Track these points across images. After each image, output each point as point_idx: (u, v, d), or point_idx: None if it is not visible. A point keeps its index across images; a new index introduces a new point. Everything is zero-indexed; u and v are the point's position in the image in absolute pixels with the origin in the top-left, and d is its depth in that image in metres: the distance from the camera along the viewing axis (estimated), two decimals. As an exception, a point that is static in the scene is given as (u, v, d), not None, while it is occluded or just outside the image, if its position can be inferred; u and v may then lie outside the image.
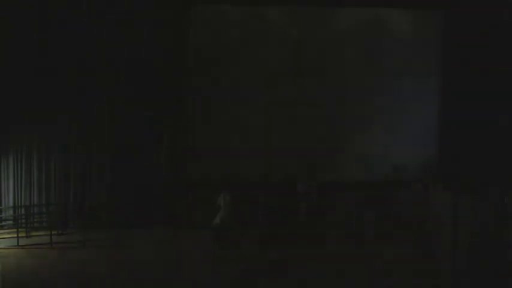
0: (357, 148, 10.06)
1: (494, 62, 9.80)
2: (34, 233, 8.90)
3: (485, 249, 6.19)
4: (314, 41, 10.01)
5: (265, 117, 9.95)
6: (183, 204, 9.59)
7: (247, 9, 9.98)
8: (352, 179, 9.92)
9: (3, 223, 9.44)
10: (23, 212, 9.31)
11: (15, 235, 8.39)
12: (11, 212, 9.50)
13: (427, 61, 10.14)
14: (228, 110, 9.96)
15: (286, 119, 10.00)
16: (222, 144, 9.91)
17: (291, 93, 9.98)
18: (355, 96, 10.08)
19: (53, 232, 8.52)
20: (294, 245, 8.36)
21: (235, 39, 9.92)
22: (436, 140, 10.18)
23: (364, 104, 10.09)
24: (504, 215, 6.19)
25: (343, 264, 7.36)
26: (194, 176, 9.84)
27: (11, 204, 9.43)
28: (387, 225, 9.20)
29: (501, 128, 9.74)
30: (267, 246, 8.27)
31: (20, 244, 8.32)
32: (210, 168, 9.85)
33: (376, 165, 10.03)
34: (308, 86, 10.00)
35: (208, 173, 9.82)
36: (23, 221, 9.12)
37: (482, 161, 9.56)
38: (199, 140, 9.94)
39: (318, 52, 10.02)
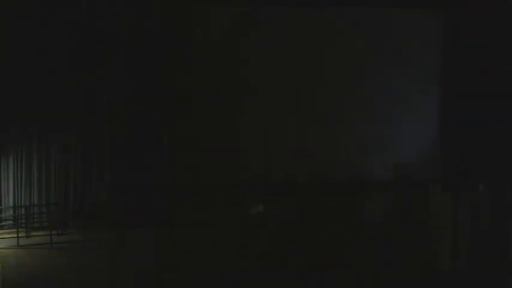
0: (356, 148, 10.07)
1: (494, 62, 9.80)
2: (34, 233, 8.91)
3: (485, 249, 6.20)
4: (314, 40, 10.02)
5: (265, 117, 9.97)
6: (184, 204, 9.60)
7: (247, 9, 9.99)
8: (351, 179, 9.93)
9: (3, 223, 9.45)
10: (23, 212, 9.32)
11: (15, 235, 8.39)
12: (11, 212, 9.50)
13: (427, 61, 10.15)
14: (228, 110, 9.98)
15: (285, 119, 10.01)
16: (222, 144, 9.93)
17: (291, 93, 10.00)
18: (355, 96, 10.09)
19: (53, 232, 8.53)
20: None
21: (235, 39, 9.94)
22: (436, 140, 10.19)
23: (363, 104, 10.10)
24: (505, 215, 6.20)
25: (342, 264, 7.36)
26: (195, 176, 9.85)
27: (11, 204, 9.44)
28: (387, 225, 9.21)
29: (501, 127, 9.75)
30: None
31: (20, 244, 8.33)
32: (210, 168, 9.88)
33: (375, 165, 10.04)
34: (308, 86, 10.02)
35: (209, 173, 9.87)
36: (23, 221, 9.13)
37: (483, 160, 9.57)
38: (199, 140, 9.95)
39: (317, 52, 10.03)
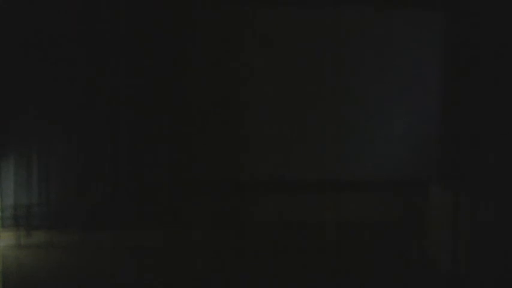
0: (357, 148, 10.08)
1: (495, 62, 9.81)
2: (34, 233, 8.92)
3: (486, 249, 6.20)
4: (314, 41, 10.03)
5: (265, 116, 9.98)
6: (184, 204, 9.61)
7: (248, 9, 10.00)
8: (351, 180, 9.95)
9: (3, 223, 9.45)
10: (23, 211, 9.33)
11: (15, 235, 8.40)
12: (11, 211, 9.50)
13: (427, 61, 10.15)
14: (228, 110, 9.99)
15: (285, 119, 10.02)
16: (222, 144, 9.94)
17: (291, 93, 10.01)
18: (355, 96, 10.10)
19: (52, 232, 8.54)
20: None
21: (235, 39, 9.95)
22: (436, 140, 10.20)
23: (363, 104, 10.10)
24: (504, 215, 6.20)
25: (342, 264, 7.38)
26: (195, 177, 9.86)
27: (11, 204, 9.44)
28: (387, 226, 9.22)
29: (501, 128, 9.76)
30: None
31: (20, 244, 8.33)
32: (210, 168, 9.89)
33: (375, 165, 10.05)
34: (308, 86, 10.02)
35: (209, 173, 9.88)
36: (23, 221, 9.14)
37: (483, 160, 9.58)
38: (199, 140, 9.96)
39: (318, 52, 10.03)
